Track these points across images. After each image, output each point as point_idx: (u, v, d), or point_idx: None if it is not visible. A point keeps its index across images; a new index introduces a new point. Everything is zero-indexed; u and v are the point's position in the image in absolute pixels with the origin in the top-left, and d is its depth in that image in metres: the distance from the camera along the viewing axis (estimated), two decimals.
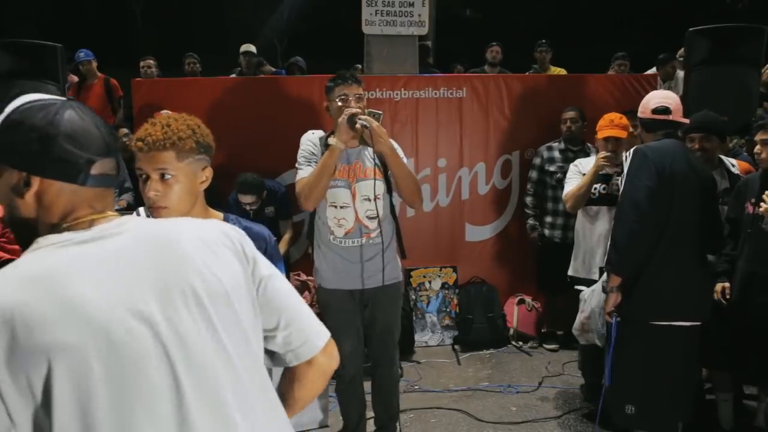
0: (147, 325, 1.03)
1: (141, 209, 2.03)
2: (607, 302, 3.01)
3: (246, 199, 4.31)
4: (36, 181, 1.08)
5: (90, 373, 0.98)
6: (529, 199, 4.86)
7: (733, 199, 3.47)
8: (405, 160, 3.02)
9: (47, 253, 1.05)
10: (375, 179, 2.94)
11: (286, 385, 1.32)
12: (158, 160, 1.73)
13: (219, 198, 4.55)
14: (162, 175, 1.74)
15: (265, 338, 1.24)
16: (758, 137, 3.33)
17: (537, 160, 4.79)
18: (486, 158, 5.14)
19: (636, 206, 2.85)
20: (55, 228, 1.10)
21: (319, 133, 3.06)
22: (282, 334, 1.25)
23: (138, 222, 1.15)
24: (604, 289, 3.07)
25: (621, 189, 2.98)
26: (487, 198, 5.17)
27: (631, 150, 2.97)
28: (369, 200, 2.95)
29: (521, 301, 5.09)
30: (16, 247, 2.03)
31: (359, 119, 2.78)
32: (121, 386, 1.00)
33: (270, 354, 1.28)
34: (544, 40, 7.34)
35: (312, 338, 1.29)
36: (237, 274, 1.17)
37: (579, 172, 4.11)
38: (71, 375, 0.97)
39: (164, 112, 4.27)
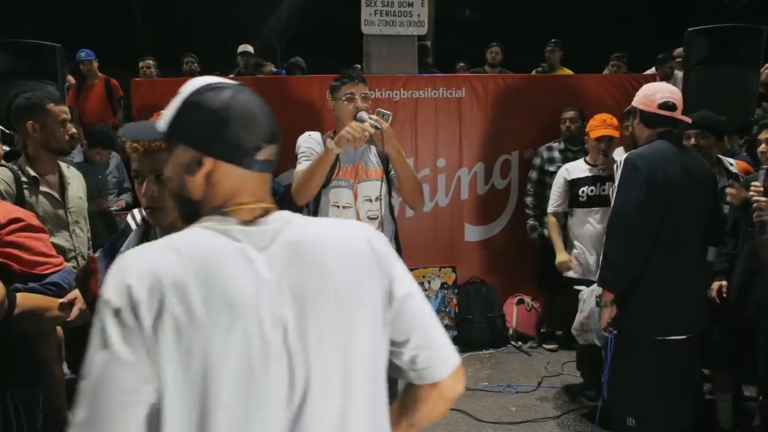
0: (280, 330, 1.06)
1: (135, 211, 2.02)
2: (602, 317, 2.90)
3: None
4: (208, 162, 1.14)
5: (222, 358, 1.01)
6: (529, 200, 4.85)
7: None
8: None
9: (209, 235, 1.10)
10: (381, 180, 2.93)
11: (406, 403, 1.29)
12: (154, 161, 1.70)
13: None
14: (158, 176, 1.72)
15: (392, 352, 1.22)
16: (762, 136, 3.34)
17: (537, 161, 4.79)
18: (485, 158, 5.13)
19: (627, 220, 2.74)
20: (217, 210, 1.14)
21: (317, 135, 3.06)
22: (410, 352, 1.22)
23: (292, 221, 1.17)
24: (597, 304, 2.97)
25: (612, 200, 2.86)
26: (486, 198, 5.16)
27: (622, 159, 2.83)
28: (370, 201, 2.95)
29: (520, 301, 5.09)
30: (9, 250, 2.00)
31: (370, 119, 2.77)
32: (244, 382, 1.03)
33: (394, 367, 1.24)
34: (554, 40, 7.29)
35: (440, 362, 1.24)
36: (371, 289, 1.17)
37: (565, 181, 4.14)
38: (203, 355, 1.00)
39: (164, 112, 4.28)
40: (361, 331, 1.14)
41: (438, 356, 1.24)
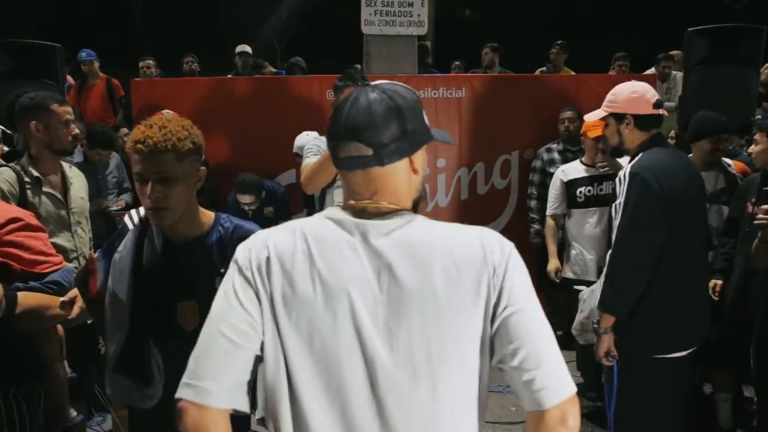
0: (368, 321, 1.17)
1: (133, 211, 2.02)
2: (600, 345, 2.68)
3: (244, 199, 4.32)
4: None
5: (316, 327, 1.18)
6: (533, 203, 4.78)
7: (735, 199, 3.48)
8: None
9: (323, 222, 1.25)
10: None
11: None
12: (159, 163, 1.71)
13: (218, 198, 4.56)
14: (162, 178, 1.73)
15: (507, 371, 1.20)
16: (759, 137, 3.35)
17: (537, 163, 4.78)
18: (485, 158, 5.14)
19: (635, 245, 2.54)
20: (339, 205, 1.30)
21: (313, 134, 3.05)
22: (521, 373, 1.18)
23: (412, 221, 1.24)
24: (596, 330, 2.72)
25: (618, 215, 2.60)
26: (486, 198, 5.17)
27: (627, 172, 2.60)
28: None
29: None
30: (9, 249, 2.01)
31: None
32: (326, 357, 1.17)
33: (514, 387, 1.21)
34: (560, 41, 7.27)
35: (552, 386, 1.17)
36: (474, 299, 1.19)
37: (562, 183, 4.14)
38: (307, 322, 1.18)
39: (165, 112, 4.28)
40: (455, 338, 1.17)
41: (551, 377, 1.18)
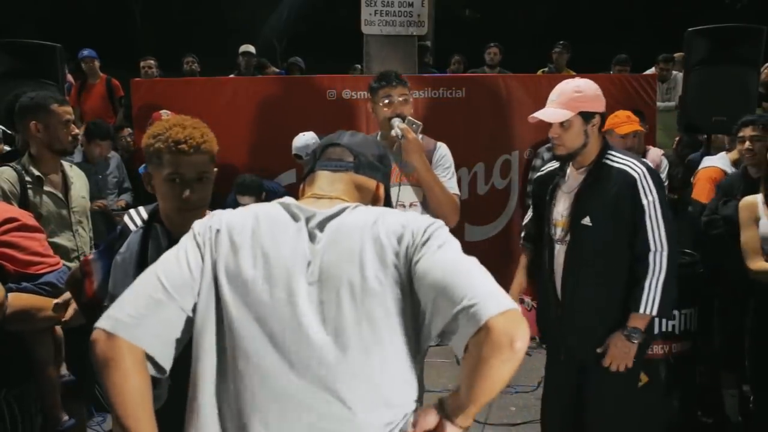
0: (289, 302, 1.26)
1: (133, 211, 1.99)
2: (634, 353, 2.50)
3: (244, 200, 4.32)
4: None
5: (249, 303, 1.27)
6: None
7: (717, 199, 3.47)
8: (451, 174, 2.93)
9: (275, 206, 1.39)
10: (400, 184, 2.79)
11: (463, 377, 1.19)
12: (199, 162, 1.77)
13: (217, 199, 4.55)
14: (201, 178, 1.78)
15: (433, 317, 1.21)
16: (745, 133, 3.37)
17: (538, 162, 4.77)
18: (485, 158, 5.12)
19: (674, 241, 2.49)
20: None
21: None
22: (440, 311, 1.17)
23: (353, 211, 1.36)
24: (629, 338, 2.48)
25: (651, 214, 2.46)
26: (486, 198, 5.16)
27: (645, 172, 2.48)
28: (403, 206, 2.83)
29: (521, 301, 5.05)
30: (2, 249, 2.01)
31: (398, 127, 2.70)
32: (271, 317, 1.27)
33: (447, 332, 1.19)
34: (562, 42, 7.26)
35: (484, 302, 1.12)
36: (391, 276, 1.26)
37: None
38: (236, 295, 1.28)
39: (163, 112, 4.28)
40: (385, 313, 1.24)
41: (481, 297, 1.14)
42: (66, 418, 2.33)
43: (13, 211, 2.16)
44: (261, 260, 1.28)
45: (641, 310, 2.44)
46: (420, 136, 2.81)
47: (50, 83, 4.48)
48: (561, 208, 2.66)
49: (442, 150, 3.02)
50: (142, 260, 1.82)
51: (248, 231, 1.32)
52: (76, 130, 2.98)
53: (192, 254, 1.32)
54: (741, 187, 3.31)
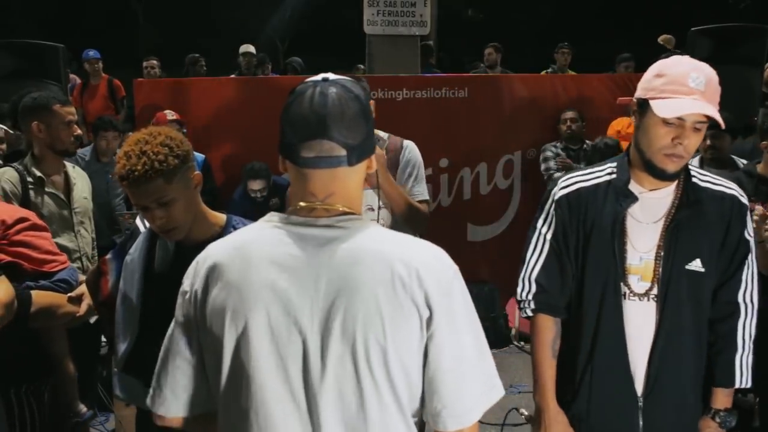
0: (298, 335, 1.16)
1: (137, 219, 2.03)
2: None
3: (255, 185, 4.37)
4: (281, 161, 1.26)
5: (243, 343, 1.18)
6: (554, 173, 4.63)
7: None
8: (420, 179, 2.82)
9: (260, 228, 1.24)
10: (373, 189, 2.65)
11: None
12: (150, 192, 1.69)
13: (223, 198, 4.56)
14: (159, 203, 1.71)
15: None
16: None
17: (548, 153, 4.80)
18: (488, 158, 5.12)
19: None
20: (290, 210, 1.24)
21: None
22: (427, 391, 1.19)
23: (358, 229, 1.20)
24: (723, 424, 1.87)
25: (753, 258, 1.84)
26: (488, 198, 5.15)
27: (739, 195, 1.82)
28: (372, 210, 2.76)
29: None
30: (19, 249, 2.03)
31: None
32: (273, 347, 1.17)
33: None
34: (566, 42, 7.28)
35: (451, 416, 1.18)
36: (406, 316, 1.15)
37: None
38: (234, 334, 1.18)
39: (167, 112, 4.28)
40: (394, 349, 1.15)
41: (451, 407, 1.19)
42: (84, 409, 2.36)
43: (23, 211, 2.20)
44: (262, 291, 1.21)
45: (737, 383, 1.85)
46: (385, 143, 2.73)
47: (53, 83, 4.50)
48: (643, 247, 1.83)
49: (409, 151, 2.86)
50: (149, 262, 1.84)
51: (237, 264, 1.22)
52: (79, 131, 2.99)
53: (180, 307, 1.31)
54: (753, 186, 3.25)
